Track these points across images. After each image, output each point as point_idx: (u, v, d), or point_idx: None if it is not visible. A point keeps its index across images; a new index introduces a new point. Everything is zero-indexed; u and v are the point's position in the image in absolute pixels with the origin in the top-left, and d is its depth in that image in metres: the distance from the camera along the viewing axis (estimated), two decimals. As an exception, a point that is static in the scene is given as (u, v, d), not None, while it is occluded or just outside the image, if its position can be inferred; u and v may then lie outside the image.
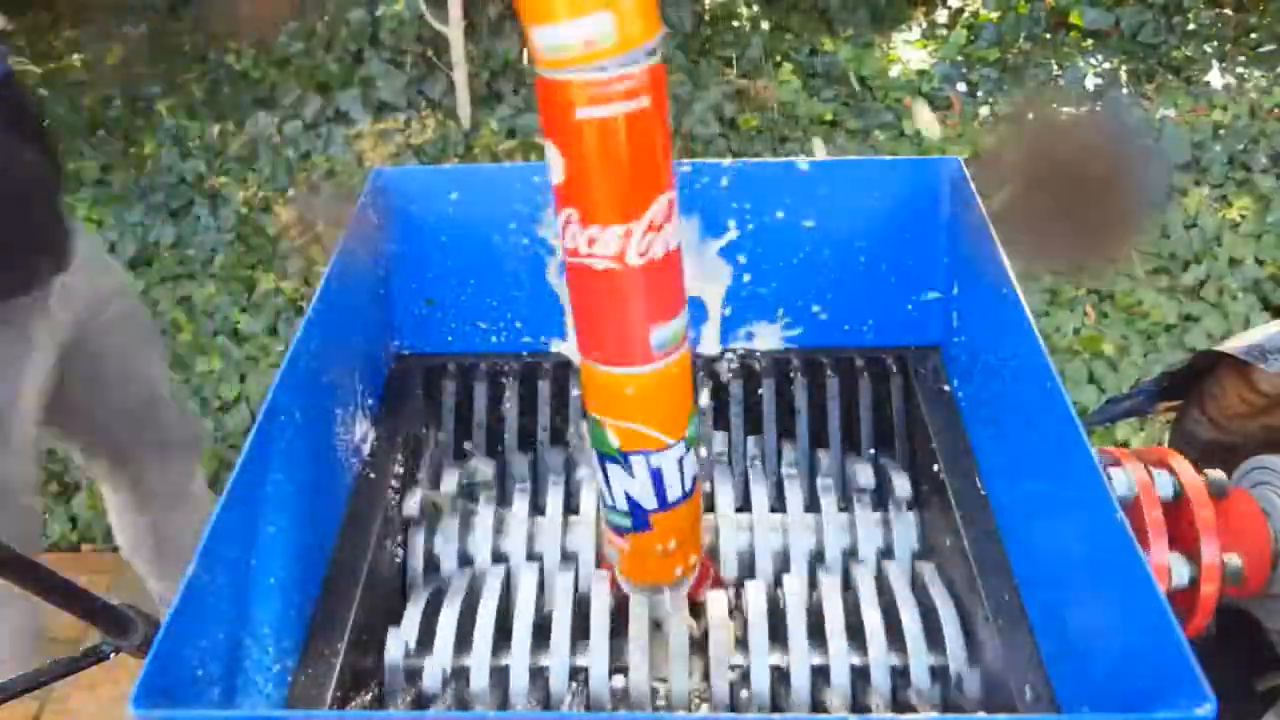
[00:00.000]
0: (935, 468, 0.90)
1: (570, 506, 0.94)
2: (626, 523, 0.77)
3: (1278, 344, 0.96)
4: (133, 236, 3.15)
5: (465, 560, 0.93)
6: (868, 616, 0.81)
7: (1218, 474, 0.93)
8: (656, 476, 0.73)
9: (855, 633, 0.81)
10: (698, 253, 1.03)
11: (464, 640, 0.81)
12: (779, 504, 0.94)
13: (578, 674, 0.81)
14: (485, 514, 0.94)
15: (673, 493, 0.75)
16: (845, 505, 0.95)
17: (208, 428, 2.52)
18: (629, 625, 0.82)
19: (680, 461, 0.74)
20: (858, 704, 0.78)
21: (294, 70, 3.69)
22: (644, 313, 0.67)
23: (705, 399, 1.01)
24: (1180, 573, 0.89)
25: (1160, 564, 0.88)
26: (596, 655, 0.80)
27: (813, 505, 0.94)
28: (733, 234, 1.02)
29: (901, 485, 0.94)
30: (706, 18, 3.85)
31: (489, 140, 3.35)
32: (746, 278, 1.04)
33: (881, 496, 0.95)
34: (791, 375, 1.01)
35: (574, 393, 1.02)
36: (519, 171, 0.99)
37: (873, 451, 1.01)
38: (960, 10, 3.97)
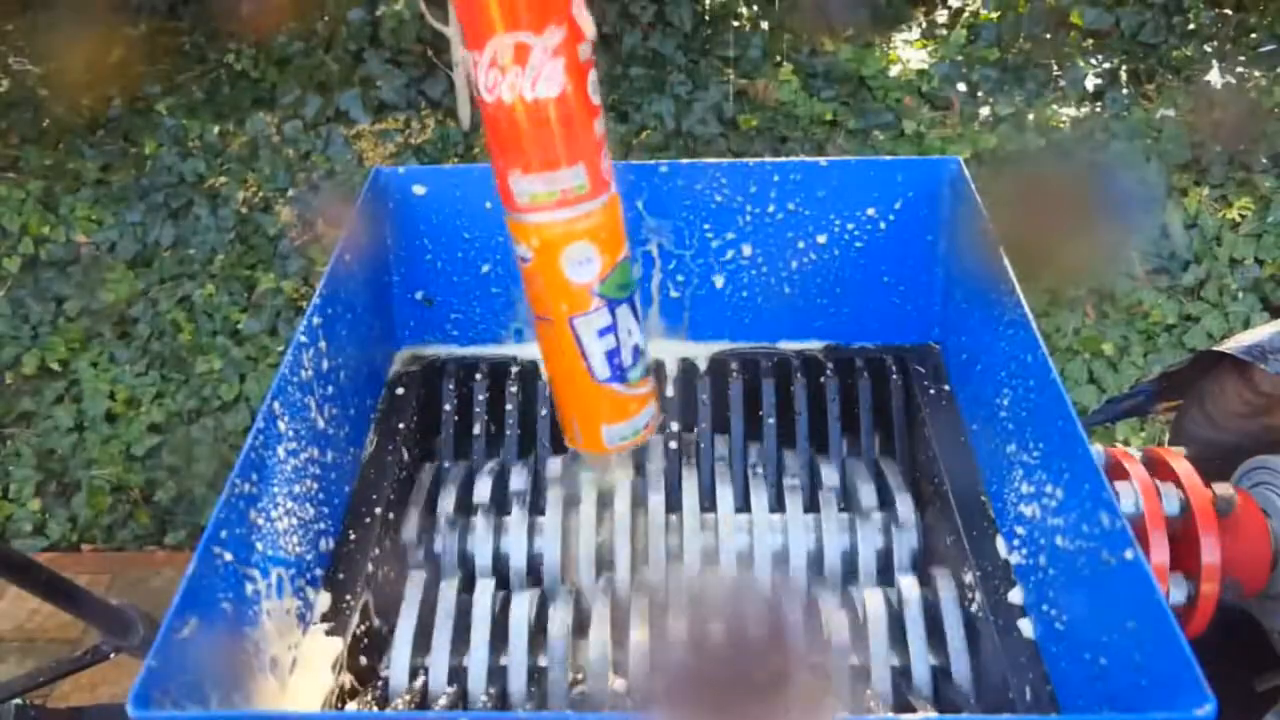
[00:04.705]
0: (935, 468, 0.90)
1: (570, 504, 0.94)
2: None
3: (1278, 344, 0.96)
4: (133, 236, 3.15)
5: (464, 559, 0.93)
6: (868, 616, 0.81)
7: (1226, 489, 0.92)
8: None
9: (855, 633, 0.81)
10: (698, 252, 1.03)
11: (463, 640, 0.81)
12: (778, 504, 0.94)
13: (578, 672, 0.81)
14: (484, 512, 0.94)
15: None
16: (845, 505, 0.95)
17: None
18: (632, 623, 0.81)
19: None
20: (858, 704, 0.78)
21: (294, 70, 3.69)
22: (498, 154, 0.68)
23: (706, 399, 1.01)
24: (1178, 593, 0.89)
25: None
26: (597, 654, 0.80)
27: (812, 505, 0.94)
28: (733, 234, 1.02)
29: (901, 485, 0.94)
30: (706, 18, 3.84)
31: (489, 140, 3.35)
32: (746, 278, 1.04)
33: (881, 496, 0.95)
34: (791, 375, 1.01)
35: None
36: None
37: (872, 452, 1.01)
38: (960, 10, 3.97)
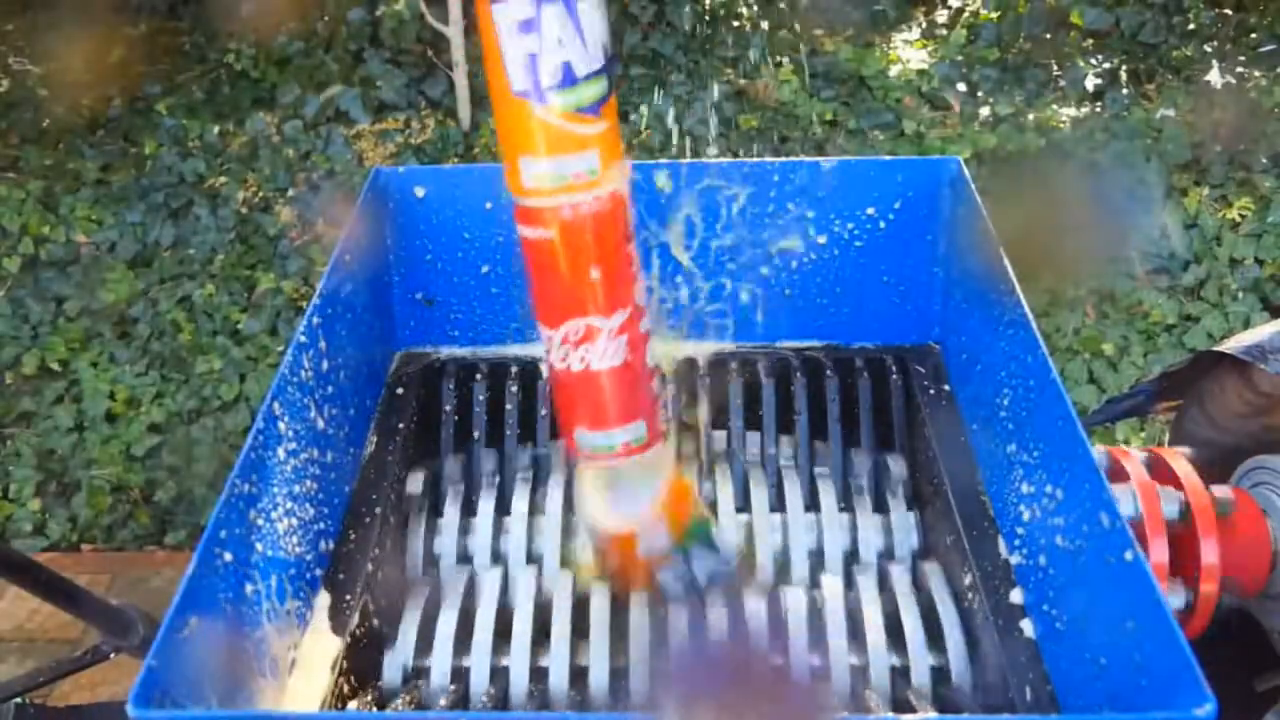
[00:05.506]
0: (935, 468, 0.90)
1: (571, 504, 0.94)
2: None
3: (1278, 344, 0.96)
4: (133, 236, 3.15)
5: (464, 560, 0.93)
6: (868, 616, 0.81)
7: (1224, 491, 0.92)
8: None
9: (855, 633, 0.81)
10: (698, 252, 1.03)
11: (464, 640, 0.81)
12: (779, 504, 0.94)
13: (577, 673, 0.81)
14: (485, 513, 0.94)
15: None
16: (845, 505, 0.95)
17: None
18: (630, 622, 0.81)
19: None
20: (858, 704, 0.78)
21: (294, 70, 3.69)
22: (565, 412, 0.75)
23: (706, 399, 1.01)
24: (1176, 599, 0.89)
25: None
26: (596, 654, 0.80)
27: (812, 505, 0.94)
28: (732, 234, 1.02)
29: (901, 485, 0.94)
30: (706, 18, 3.84)
31: (489, 140, 3.35)
32: (746, 278, 1.04)
33: (881, 496, 0.95)
34: (792, 375, 1.01)
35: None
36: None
37: (872, 452, 1.01)
38: (960, 10, 3.97)
